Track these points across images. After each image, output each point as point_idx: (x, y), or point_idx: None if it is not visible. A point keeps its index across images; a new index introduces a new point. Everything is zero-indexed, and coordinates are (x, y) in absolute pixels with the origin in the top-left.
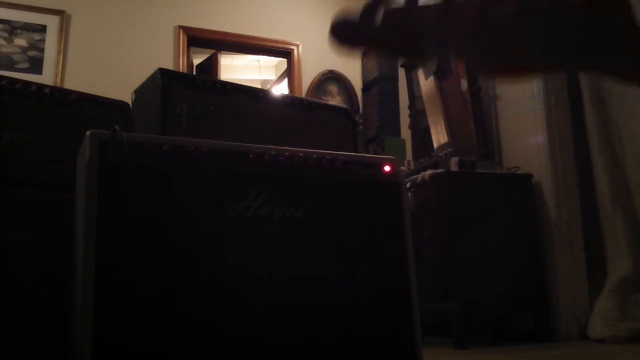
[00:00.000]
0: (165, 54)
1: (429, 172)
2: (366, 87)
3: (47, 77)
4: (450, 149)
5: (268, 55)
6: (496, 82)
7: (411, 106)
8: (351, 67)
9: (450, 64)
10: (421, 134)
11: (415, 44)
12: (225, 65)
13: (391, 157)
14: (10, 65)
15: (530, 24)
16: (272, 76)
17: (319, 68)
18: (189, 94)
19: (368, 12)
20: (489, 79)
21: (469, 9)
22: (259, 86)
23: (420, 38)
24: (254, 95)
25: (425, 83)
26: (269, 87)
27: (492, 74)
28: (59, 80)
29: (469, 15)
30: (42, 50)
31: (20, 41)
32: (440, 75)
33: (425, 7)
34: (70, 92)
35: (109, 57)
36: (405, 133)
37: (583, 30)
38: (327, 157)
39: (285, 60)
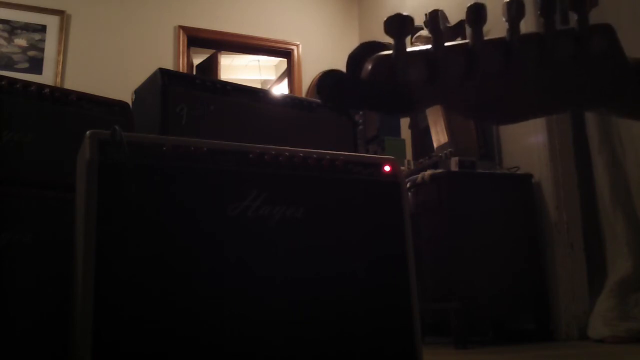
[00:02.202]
0: (165, 54)
1: (429, 172)
2: None
3: (47, 77)
4: (450, 149)
5: (268, 55)
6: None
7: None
8: None
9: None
10: (421, 134)
11: (405, 98)
12: (225, 65)
13: (391, 157)
14: (10, 65)
15: (519, 73)
16: (272, 76)
17: (319, 68)
18: (189, 94)
19: (355, 63)
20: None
21: (457, 57)
22: (259, 86)
23: (409, 91)
24: (254, 95)
25: None
26: (269, 87)
27: (484, 122)
28: (59, 80)
29: (456, 64)
30: (42, 50)
31: (20, 41)
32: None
33: (413, 54)
34: (70, 92)
35: (109, 57)
36: (405, 133)
37: (574, 76)
38: (327, 157)
39: (285, 60)
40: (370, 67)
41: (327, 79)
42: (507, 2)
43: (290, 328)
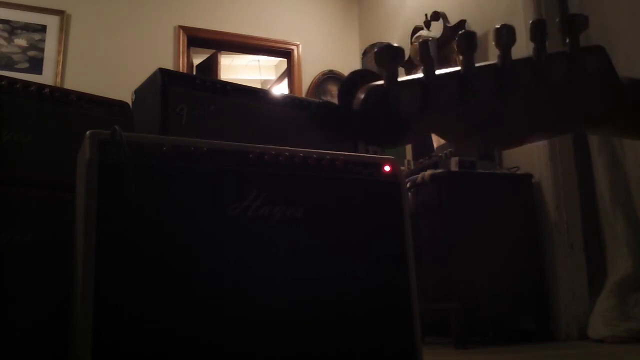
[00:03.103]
0: (165, 54)
1: (429, 172)
2: None
3: (47, 77)
4: (450, 149)
5: (268, 55)
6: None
7: None
8: (351, 67)
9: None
10: None
11: (397, 127)
12: (225, 65)
13: (391, 157)
14: (10, 65)
15: (512, 98)
16: (272, 76)
17: (319, 68)
18: (189, 94)
19: (347, 92)
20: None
21: (449, 84)
22: (259, 86)
23: (402, 121)
24: (254, 95)
25: None
26: (269, 87)
27: (478, 149)
28: (59, 80)
29: (449, 91)
30: (42, 50)
31: (20, 41)
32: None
33: (405, 84)
34: (70, 92)
35: (109, 57)
36: None
37: (567, 98)
38: (327, 157)
39: (285, 60)
40: (362, 97)
41: (320, 109)
42: (498, 27)
43: (290, 328)
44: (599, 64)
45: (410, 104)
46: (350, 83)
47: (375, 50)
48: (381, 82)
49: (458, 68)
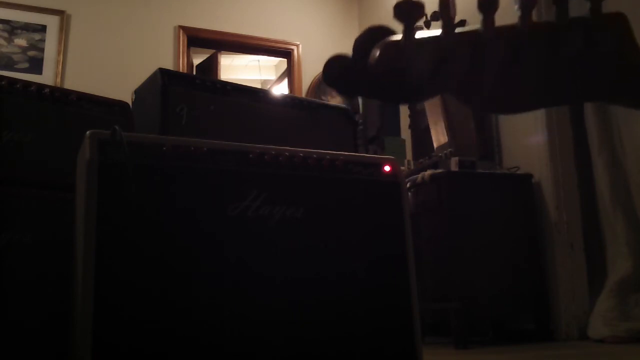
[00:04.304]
0: (165, 54)
1: (429, 172)
2: None
3: (47, 77)
4: (450, 149)
5: (268, 55)
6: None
7: (411, 106)
8: None
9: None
10: (421, 134)
11: (411, 86)
12: (225, 65)
13: (391, 157)
14: (10, 65)
15: (527, 63)
16: (272, 76)
17: (319, 68)
18: (189, 94)
19: (361, 48)
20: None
21: (465, 45)
22: (259, 86)
23: (416, 79)
24: (254, 95)
25: None
26: (269, 87)
27: (489, 112)
28: (59, 80)
29: (465, 52)
30: (42, 50)
31: (20, 41)
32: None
33: (422, 41)
34: (70, 92)
35: (109, 57)
36: (405, 133)
37: (581, 68)
38: (327, 157)
39: (285, 60)
40: (377, 53)
41: (334, 63)
42: None
43: (290, 328)
44: (619, 34)
45: (426, 62)
46: (366, 38)
47: (395, 4)
48: (398, 37)
49: (477, 27)
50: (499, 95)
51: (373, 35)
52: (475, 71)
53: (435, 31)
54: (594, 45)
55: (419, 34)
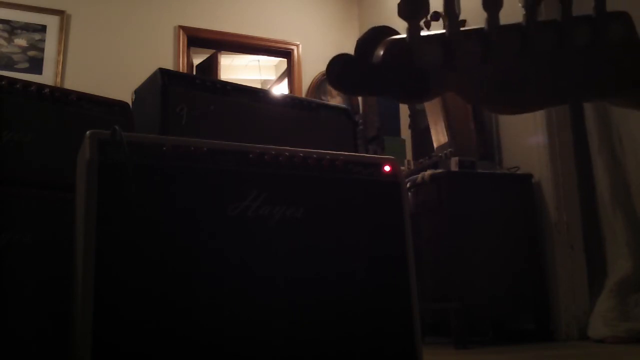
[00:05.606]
0: (165, 54)
1: (429, 172)
2: None
3: (47, 77)
4: (450, 149)
5: (268, 55)
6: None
7: (411, 106)
8: None
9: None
10: (421, 134)
11: (419, 83)
12: (225, 65)
13: (391, 157)
14: (10, 65)
15: (534, 60)
16: (272, 76)
17: (319, 68)
18: (189, 94)
19: (364, 48)
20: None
21: (472, 42)
22: (259, 86)
23: (424, 76)
24: (254, 95)
25: None
26: (269, 87)
27: (495, 111)
28: (59, 80)
29: (472, 49)
30: (42, 50)
31: (20, 41)
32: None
33: (428, 38)
34: (70, 92)
35: (109, 57)
36: (405, 133)
37: (588, 64)
38: (327, 157)
39: (285, 60)
40: (382, 51)
41: (337, 62)
42: None
43: (290, 328)
44: (623, 31)
45: (432, 60)
46: (369, 38)
47: (399, 2)
48: (403, 36)
49: (482, 26)
50: (504, 93)
51: (376, 35)
52: (480, 69)
53: (441, 30)
54: (601, 39)
55: (425, 33)
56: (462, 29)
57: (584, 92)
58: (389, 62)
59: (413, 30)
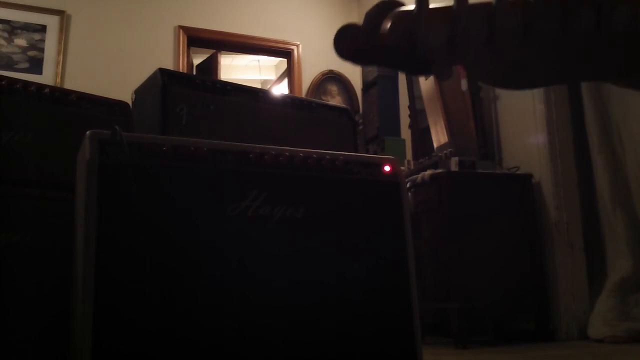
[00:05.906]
0: (165, 54)
1: (429, 172)
2: (366, 87)
3: (47, 77)
4: (450, 149)
5: (268, 55)
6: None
7: (411, 106)
8: (351, 67)
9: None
10: (421, 134)
11: (423, 57)
12: (225, 65)
13: (391, 157)
14: (10, 65)
15: (539, 38)
16: (272, 76)
17: (319, 68)
18: (189, 94)
19: (372, 20)
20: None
21: (479, 17)
22: (259, 86)
23: (427, 51)
24: (254, 95)
25: (425, 83)
26: (269, 87)
27: (497, 85)
28: (59, 80)
29: (478, 24)
30: (42, 50)
31: (20, 41)
32: (441, 77)
33: (435, 11)
34: (70, 92)
35: (109, 57)
36: (405, 133)
37: (596, 45)
38: (327, 157)
39: (285, 60)
40: (389, 24)
41: (345, 32)
42: None
43: (289, 328)
44: (632, 13)
45: (438, 34)
46: (377, 11)
47: None
48: (411, 7)
49: (489, 0)
50: (511, 70)
51: (385, 8)
52: (487, 42)
53: (448, 3)
54: (607, 20)
55: (433, 6)
56: (470, 1)
57: (586, 73)
58: (394, 36)
59: (420, 2)
